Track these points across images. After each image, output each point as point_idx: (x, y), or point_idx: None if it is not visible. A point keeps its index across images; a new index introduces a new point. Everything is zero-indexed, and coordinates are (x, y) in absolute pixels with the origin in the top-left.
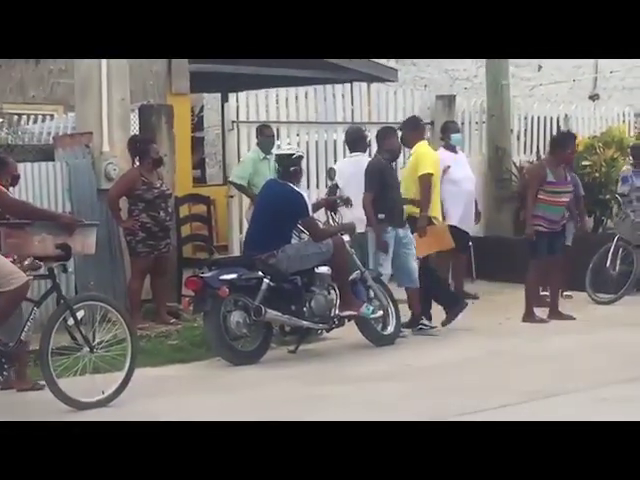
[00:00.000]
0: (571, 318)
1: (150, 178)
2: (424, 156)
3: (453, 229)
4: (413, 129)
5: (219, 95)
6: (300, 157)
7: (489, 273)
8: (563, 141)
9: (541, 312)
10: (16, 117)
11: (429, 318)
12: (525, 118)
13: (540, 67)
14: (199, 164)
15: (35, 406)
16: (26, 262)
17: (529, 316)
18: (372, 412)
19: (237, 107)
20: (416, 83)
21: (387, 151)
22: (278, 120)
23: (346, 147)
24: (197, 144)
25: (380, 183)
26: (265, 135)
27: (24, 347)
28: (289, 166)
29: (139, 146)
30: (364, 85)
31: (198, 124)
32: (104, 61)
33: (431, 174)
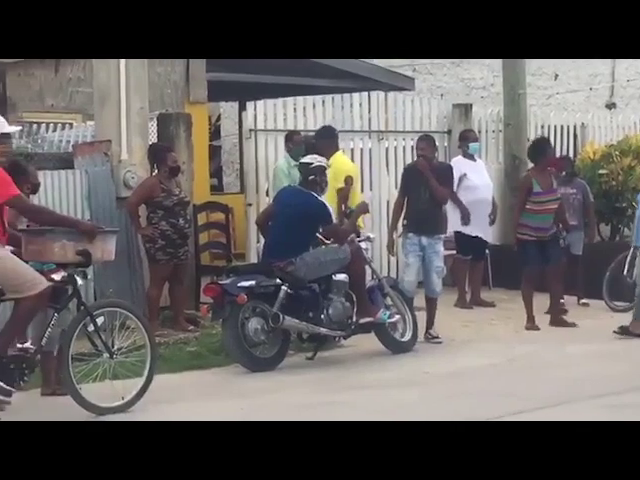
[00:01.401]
0: (573, 325)
1: (169, 186)
2: (341, 170)
3: (468, 237)
4: (327, 138)
5: (236, 104)
6: (319, 167)
7: (506, 281)
8: (540, 148)
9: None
10: (35, 125)
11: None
12: (542, 127)
13: (557, 76)
14: (216, 172)
15: (54, 412)
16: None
17: (529, 323)
18: (388, 418)
19: (255, 115)
20: (433, 92)
21: (424, 157)
22: (295, 129)
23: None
24: (214, 153)
25: (405, 189)
26: (295, 142)
27: (50, 352)
28: (308, 175)
29: (157, 154)
30: (381, 94)
31: (215, 133)
32: (123, 70)
33: (342, 189)
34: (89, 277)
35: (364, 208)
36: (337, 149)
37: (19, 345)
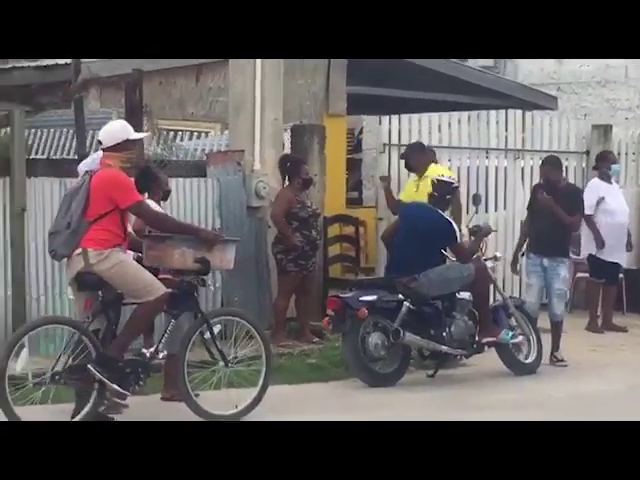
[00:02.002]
0: None
1: (301, 197)
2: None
3: (602, 261)
4: (419, 152)
5: (377, 118)
6: (457, 187)
7: None
8: None
9: None
10: (172, 133)
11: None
12: None
13: None
14: (357, 185)
15: (166, 416)
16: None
17: None
18: None
19: (389, 130)
20: (577, 112)
21: (545, 179)
22: (429, 145)
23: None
24: (355, 166)
25: (530, 209)
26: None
27: (172, 357)
28: (446, 193)
29: (290, 166)
30: (519, 112)
31: (357, 146)
32: (258, 80)
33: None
34: (217, 285)
35: (488, 230)
36: (430, 162)
37: (144, 350)
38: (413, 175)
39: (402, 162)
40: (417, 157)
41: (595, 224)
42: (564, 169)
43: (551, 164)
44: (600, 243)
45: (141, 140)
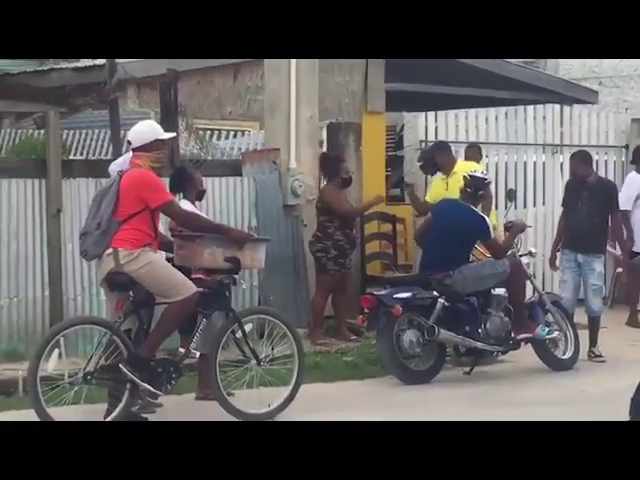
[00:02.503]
0: None
1: (345, 195)
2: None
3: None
4: (445, 149)
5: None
6: (489, 183)
7: None
8: None
9: None
10: (208, 132)
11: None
12: None
13: None
14: (398, 183)
15: (199, 416)
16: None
17: None
18: None
19: (426, 126)
20: (619, 106)
21: (572, 174)
22: (467, 140)
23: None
24: (397, 163)
25: (565, 204)
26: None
27: (204, 357)
28: (479, 189)
29: (329, 164)
30: (557, 107)
31: (399, 143)
32: (293, 79)
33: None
34: (254, 284)
35: (522, 227)
36: (455, 160)
37: (180, 350)
38: (439, 174)
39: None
40: (444, 155)
41: (630, 219)
42: (603, 163)
43: (579, 159)
44: (631, 236)
45: (175, 140)
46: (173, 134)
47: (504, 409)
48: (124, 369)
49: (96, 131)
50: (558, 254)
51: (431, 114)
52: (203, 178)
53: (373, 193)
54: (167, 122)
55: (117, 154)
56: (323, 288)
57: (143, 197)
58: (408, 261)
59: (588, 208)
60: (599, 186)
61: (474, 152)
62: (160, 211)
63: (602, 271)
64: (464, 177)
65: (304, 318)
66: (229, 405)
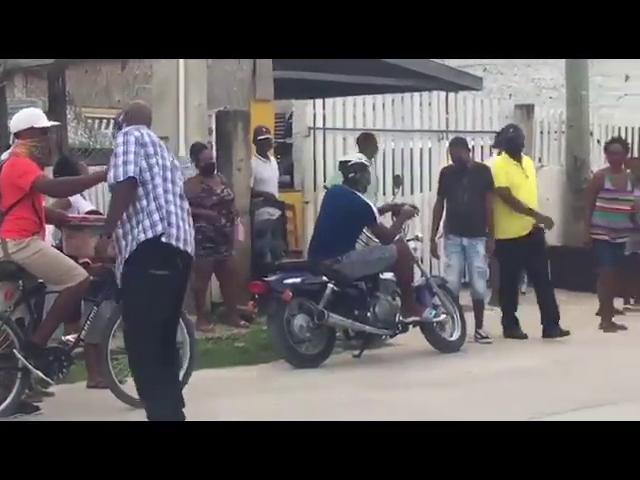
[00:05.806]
0: (623, 328)
1: (210, 184)
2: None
3: None
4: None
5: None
6: (358, 164)
7: (566, 283)
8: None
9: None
10: (97, 121)
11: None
12: (607, 127)
13: (627, 77)
14: (288, 170)
15: (94, 405)
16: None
17: (608, 325)
18: (419, 417)
19: (314, 114)
20: (503, 92)
21: (456, 160)
22: (355, 127)
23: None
24: (286, 150)
25: (442, 191)
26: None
27: (92, 345)
28: (348, 173)
29: (192, 152)
30: (442, 93)
31: (287, 130)
32: (182, 66)
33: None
34: None
35: (410, 213)
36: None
37: (69, 337)
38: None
39: (327, 146)
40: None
41: None
42: (488, 149)
43: (462, 145)
44: None
45: (63, 129)
46: (53, 122)
47: (389, 391)
48: (18, 355)
49: None
50: (440, 241)
51: (319, 102)
52: (90, 168)
53: None
54: (55, 111)
55: (4, 144)
56: (197, 273)
57: (17, 183)
58: (298, 247)
59: (470, 193)
60: (478, 171)
61: (368, 141)
62: (35, 190)
63: (484, 254)
64: (340, 162)
65: (190, 304)
66: (121, 392)
